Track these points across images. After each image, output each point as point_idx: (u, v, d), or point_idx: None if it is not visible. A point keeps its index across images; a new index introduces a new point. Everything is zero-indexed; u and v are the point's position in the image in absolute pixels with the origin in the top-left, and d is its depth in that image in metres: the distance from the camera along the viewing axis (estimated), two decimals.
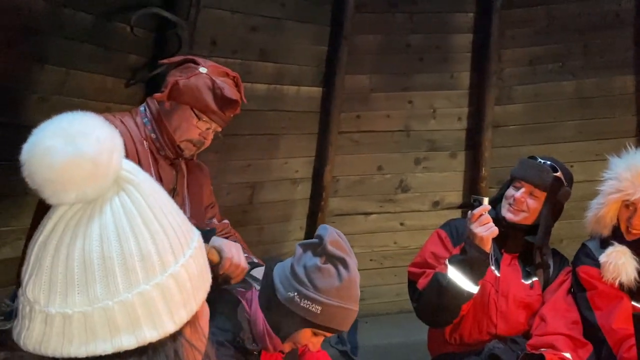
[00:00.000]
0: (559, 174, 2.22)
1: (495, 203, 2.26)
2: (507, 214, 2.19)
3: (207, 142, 1.90)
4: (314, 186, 3.80)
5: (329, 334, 1.50)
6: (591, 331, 2.09)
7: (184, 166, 1.96)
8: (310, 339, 1.48)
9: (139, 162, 1.77)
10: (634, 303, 2.12)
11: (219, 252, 1.62)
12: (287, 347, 1.52)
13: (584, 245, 2.31)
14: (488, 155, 3.97)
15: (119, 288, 0.64)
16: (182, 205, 1.89)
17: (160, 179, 1.81)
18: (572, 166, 4.04)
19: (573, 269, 2.25)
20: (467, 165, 4.04)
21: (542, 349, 2.02)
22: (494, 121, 3.97)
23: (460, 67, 3.91)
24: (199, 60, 1.88)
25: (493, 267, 2.18)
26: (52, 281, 0.64)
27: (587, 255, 2.23)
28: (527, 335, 2.15)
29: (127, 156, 1.90)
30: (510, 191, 2.22)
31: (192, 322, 0.71)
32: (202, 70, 1.82)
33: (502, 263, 2.21)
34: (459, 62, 3.90)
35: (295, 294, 1.43)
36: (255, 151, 3.45)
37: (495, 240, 2.08)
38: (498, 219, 2.17)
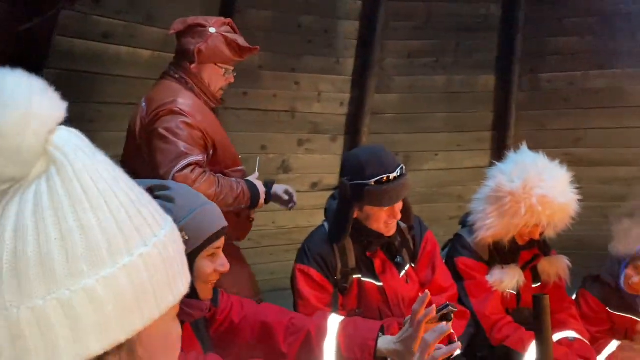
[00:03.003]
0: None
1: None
2: (386, 232, 2.08)
3: (232, 80, 2.33)
4: None
5: (219, 247, 1.41)
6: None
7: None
8: (209, 266, 1.40)
9: (214, 125, 2.23)
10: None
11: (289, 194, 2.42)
12: (203, 291, 1.42)
13: (459, 236, 2.46)
14: (365, 141, 4.13)
15: (32, 293, 0.51)
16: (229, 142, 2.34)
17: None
18: (436, 155, 4.41)
19: (451, 259, 2.39)
20: (345, 149, 4.17)
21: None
22: (373, 108, 4.13)
23: (346, 54, 4.00)
24: (203, 22, 2.19)
25: (370, 280, 2.08)
26: None
27: (464, 247, 2.40)
28: None
29: (208, 129, 2.15)
30: (384, 215, 2.05)
31: (129, 347, 0.56)
32: (212, 30, 2.17)
33: (377, 270, 2.11)
34: (345, 47, 3.98)
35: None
36: None
37: (357, 251, 2.07)
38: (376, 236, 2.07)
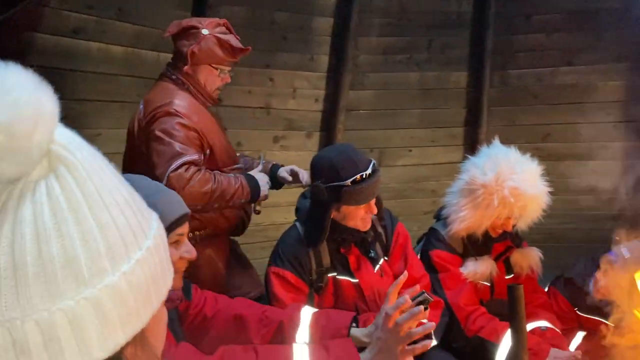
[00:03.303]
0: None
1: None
2: (363, 227, 2.09)
3: (228, 80, 2.36)
4: None
5: (182, 233, 1.42)
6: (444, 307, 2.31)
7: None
8: (174, 254, 1.39)
9: (211, 125, 2.27)
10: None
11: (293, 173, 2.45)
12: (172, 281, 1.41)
13: (433, 230, 2.49)
14: (341, 137, 4.15)
15: (33, 302, 0.51)
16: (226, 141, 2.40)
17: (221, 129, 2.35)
18: (410, 150, 4.46)
19: (426, 252, 2.43)
20: (320, 146, 4.17)
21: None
22: (348, 105, 4.16)
23: (320, 50, 4.01)
24: (196, 24, 2.22)
25: (346, 277, 2.08)
26: None
27: (438, 240, 2.43)
28: None
29: (204, 129, 2.16)
30: (361, 212, 2.06)
31: (139, 341, 0.58)
32: (205, 32, 2.20)
33: (352, 267, 2.10)
34: (319, 44, 3.99)
35: None
36: (107, 119, 3.15)
37: (331, 248, 2.07)
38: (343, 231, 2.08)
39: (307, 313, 1.71)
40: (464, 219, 2.31)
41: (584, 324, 2.51)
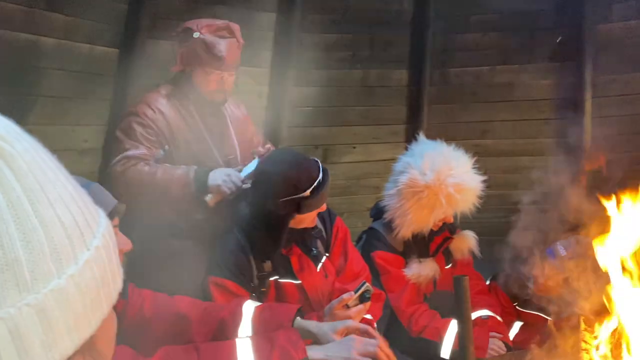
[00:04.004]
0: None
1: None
2: (313, 224, 2.08)
3: (228, 86, 2.36)
4: (104, 158, 3.46)
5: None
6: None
7: (224, 110, 2.44)
8: None
9: (186, 124, 2.27)
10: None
11: (218, 187, 2.13)
12: None
13: (373, 230, 2.49)
14: (286, 135, 4.12)
15: (3, 302, 0.46)
16: (233, 146, 2.42)
17: (210, 131, 2.33)
18: (355, 147, 4.49)
19: (367, 254, 2.41)
20: (264, 142, 4.13)
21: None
22: (292, 102, 4.13)
23: (264, 45, 3.96)
24: (193, 26, 2.25)
25: (288, 279, 2.03)
26: None
27: (379, 240, 2.45)
28: None
29: (171, 127, 2.20)
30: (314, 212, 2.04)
31: (88, 349, 0.53)
32: (195, 35, 2.22)
33: (295, 268, 2.05)
34: (262, 39, 3.94)
35: None
36: (37, 115, 2.98)
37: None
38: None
39: (249, 307, 1.67)
40: (412, 222, 2.33)
41: (522, 317, 2.60)
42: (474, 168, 2.43)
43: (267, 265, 2.01)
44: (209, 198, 2.16)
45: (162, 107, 2.26)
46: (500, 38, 4.34)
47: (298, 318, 1.62)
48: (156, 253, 2.25)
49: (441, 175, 2.29)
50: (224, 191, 2.15)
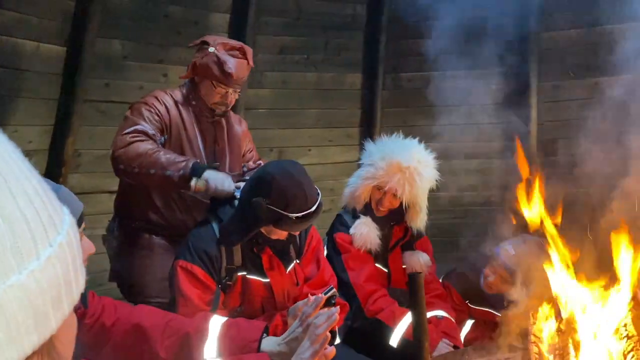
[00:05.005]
0: None
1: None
2: (284, 238, 2.09)
3: (230, 101, 2.48)
4: (50, 160, 3.34)
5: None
6: (345, 290, 2.40)
7: (224, 122, 2.55)
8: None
9: (183, 123, 2.41)
10: (377, 265, 2.56)
11: (206, 181, 2.15)
12: None
13: (339, 215, 2.66)
14: None
15: None
16: (222, 153, 2.51)
17: (202, 134, 2.46)
18: (310, 150, 4.50)
19: (331, 236, 2.57)
20: None
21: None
22: (246, 104, 4.10)
23: None
24: (210, 40, 2.41)
25: (256, 276, 2.04)
26: None
27: (342, 224, 2.59)
28: None
29: (171, 121, 2.21)
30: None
31: (47, 350, 0.50)
32: (211, 49, 2.37)
33: (264, 267, 2.06)
34: None
35: None
36: None
37: (244, 247, 2.03)
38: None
39: (216, 323, 1.64)
40: (360, 194, 2.51)
41: (474, 314, 2.69)
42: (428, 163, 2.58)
43: (237, 258, 2.01)
44: (194, 182, 2.19)
45: (167, 102, 2.44)
46: (450, 44, 4.45)
47: (265, 336, 1.60)
48: (137, 247, 2.43)
49: (393, 160, 2.48)
50: (211, 186, 2.16)
